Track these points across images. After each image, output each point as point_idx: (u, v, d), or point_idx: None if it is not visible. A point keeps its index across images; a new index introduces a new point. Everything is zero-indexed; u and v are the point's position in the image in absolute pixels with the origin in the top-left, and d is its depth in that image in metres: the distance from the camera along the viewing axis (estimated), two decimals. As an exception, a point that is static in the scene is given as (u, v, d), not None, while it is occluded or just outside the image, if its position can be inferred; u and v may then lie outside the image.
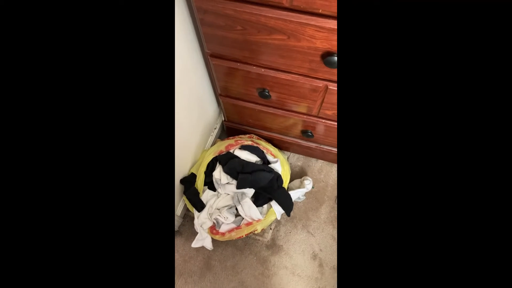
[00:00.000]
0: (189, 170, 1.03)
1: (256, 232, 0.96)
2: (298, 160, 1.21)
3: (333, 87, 0.69)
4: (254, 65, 0.71)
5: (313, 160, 1.20)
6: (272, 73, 0.71)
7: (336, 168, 1.18)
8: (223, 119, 1.13)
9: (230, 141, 1.00)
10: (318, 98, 0.75)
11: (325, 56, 0.59)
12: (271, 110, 0.89)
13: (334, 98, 0.73)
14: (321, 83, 0.70)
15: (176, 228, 1.08)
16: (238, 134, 1.10)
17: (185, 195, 0.96)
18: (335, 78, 0.66)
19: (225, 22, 0.59)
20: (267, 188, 0.95)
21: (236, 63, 0.72)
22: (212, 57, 0.73)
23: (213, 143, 1.19)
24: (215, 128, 1.19)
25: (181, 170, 0.97)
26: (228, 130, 1.15)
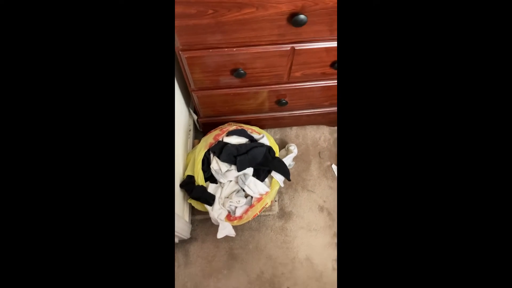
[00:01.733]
0: (184, 174, 1.02)
1: (267, 206, 1.01)
2: (275, 133, 1.29)
3: (299, 47, 0.78)
4: (226, 47, 0.76)
5: (288, 129, 1.30)
6: (243, 50, 0.77)
7: (309, 129, 1.30)
8: (196, 118, 1.14)
9: (216, 131, 1.03)
10: (288, 63, 0.84)
11: (291, 17, 0.67)
12: (245, 90, 0.95)
13: (301, 58, 0.83)
14: (288, 47, 0.78)
15: (189, 235, 1.07)
16: (214, 127, 1.13)
17: (191, 196, 0.96)
18: (300, 38, 0.75)
19: (197, 9, 0.63)
20: (264, 162, 1.01)
21: (208, 50, 0.76)
22: (183, 51, 0.76)
23: (193, 145, 1.20)
24: (189, 130, 1.19)
25: (176, 177, 0.97)
26: (204, 126, 1.17)
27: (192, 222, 1.11)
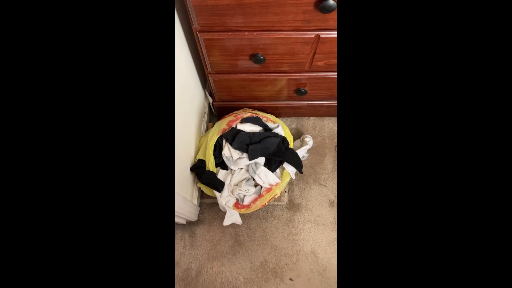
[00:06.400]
0: (195, 158, 1.02)
1: (276, 196, 0.99)
2: (292, 123, 1.25)
3: (325, 34, 0.73)
4: (246, 31, 0.71)
5: (305, 119, 1.25)
6: (264, 35, 0.72)
7: (327, 121, 1.25)
8: (211, 101, 1.11)
9: (230, 117, 1.00)
10: (311, 51, 0.79)
11: (319, 2, 0.61)
12: (263, 76, 0.91)
13: (325, 47, 0.77)
14: (313, 34, 0.72)
15: (196, 218, 1.08)
16: (229, 113, 1.10)
17: (201, 181, 0.95)
18: (326, 25, 0.70)
19: (217, -12, 0.59)
20: (277, 153, 0.98)
21: (227, 33, 0.72)
22: (202, 32, 0.72)
23: (206, 128, 1.18)
24: (204, 113, 1.17)
25: (187, 160, 0.96)
26: (219, 110, 1.14)
27: (201, 205, 1.11)
